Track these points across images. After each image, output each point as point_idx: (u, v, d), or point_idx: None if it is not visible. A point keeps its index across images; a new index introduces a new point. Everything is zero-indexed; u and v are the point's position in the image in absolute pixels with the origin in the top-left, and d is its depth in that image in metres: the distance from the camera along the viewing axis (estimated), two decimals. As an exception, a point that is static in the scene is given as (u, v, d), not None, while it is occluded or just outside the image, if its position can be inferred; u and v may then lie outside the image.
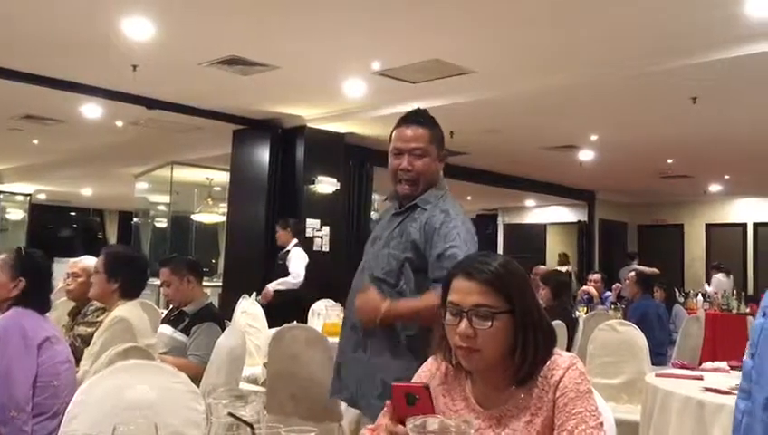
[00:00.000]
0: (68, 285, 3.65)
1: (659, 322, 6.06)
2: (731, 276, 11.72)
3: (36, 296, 2.49)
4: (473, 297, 1.48)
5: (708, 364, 3.84)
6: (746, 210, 14.46)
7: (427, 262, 2.25)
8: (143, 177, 12.15)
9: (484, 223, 16.79)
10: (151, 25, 5.45)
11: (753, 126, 8.00)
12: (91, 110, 8.21)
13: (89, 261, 3.64)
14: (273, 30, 5.54)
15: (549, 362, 1.51)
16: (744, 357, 1.49)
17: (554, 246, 15.33)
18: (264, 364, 4.37)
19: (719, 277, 11.55)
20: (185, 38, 5.81)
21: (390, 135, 2.43)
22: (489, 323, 1.46)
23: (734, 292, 8.82)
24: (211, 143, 9.56)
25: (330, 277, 8.30)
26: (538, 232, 15.78)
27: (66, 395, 2.13)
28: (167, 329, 3.76)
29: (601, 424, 1.46)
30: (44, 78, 6.92)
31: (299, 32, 5.54)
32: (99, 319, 3.40)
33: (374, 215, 11.50)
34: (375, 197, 11.29)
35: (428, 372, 1.61)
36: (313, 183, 8.62)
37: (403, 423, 1.30)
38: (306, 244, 8.56)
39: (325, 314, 5.44)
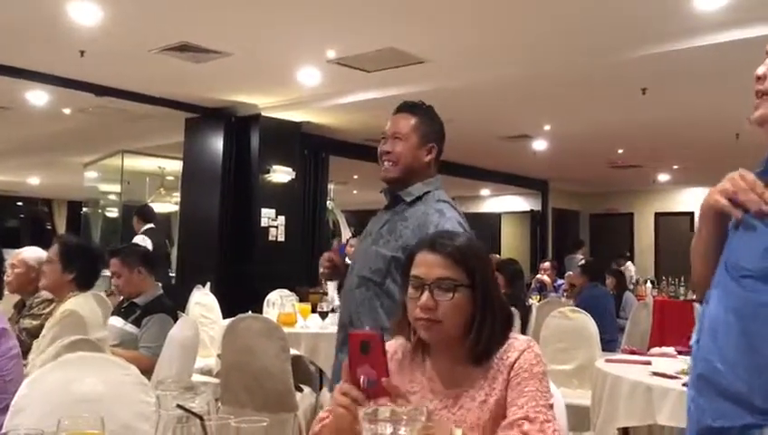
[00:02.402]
0: (7, 276, 3.56)
1: (607, 309, 6.19)
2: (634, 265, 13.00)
3: None
4: (436, 270, 1.52)
5: (656, 350, 3.94)
6: (694, 200, 14.83)
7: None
8: (93, 166, 11.88)
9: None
10: (99, 9, 5.30)
11: (701, 117, 8.20)
12: (38, 96, 7.98)
13: (29, 253, 3.56)
14: (225, 16, 5.45)
15: (506, 345, 1.54)
16: (691, 343, 1.52)
17: (508, 234, 15.53)
18: (218, 356, 4.33)
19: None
20: (134, 23, 5.68)
21: None
22: (450, 295, 1.50)
23: (683, 278, 9.06)
24: (163, 132, 9.39)
25: (285, 267, 8.26)
26: (493, 221, 15.95)
27: (15, 390, 2.07)
28: (117, 321, 3.69)
29: (551, 405, 1.49)
30: (-12, 63, 6.71)
31: (252, 18, 5.47)
32: (45, 311, 3.32)
33: (329, 204, 11.47)
34: (331, 186, 11.26)
35: (388, 353, 1.61)
36: (268, 172, 8.55)
37: (356, 374, 1.34)
38: (262, 234, 8.51)
39: (280, 304, 5.41)
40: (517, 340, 1.56)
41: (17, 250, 3.71)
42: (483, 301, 1.53)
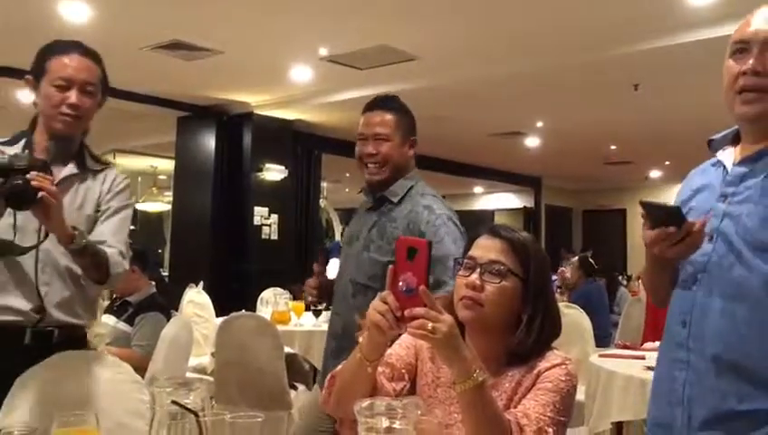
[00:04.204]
0: None
1: (602, 304, 6.21)
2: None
3: None
4: (491, 254, 1.49)
5: (649, 344, 3.95)
6: (685, 195, 14.91)
7: None
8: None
9: (433, 210, 16.90)
10: (89, 8, 5.28)
11: (693, 113, 8.21)
12: (28, 95, 7.92)
13: None
14: (217, 13, 5.43)
15: (542, 355, 1.49)
16: (674, 326, 1.50)
17: (501, 231, 15.50)
18: (212, 354, 4.32)
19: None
20: (124, 21, 5.65)
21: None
22: (499, 280, 1.46)
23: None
24: (155, 130, 9.35)
25: (278, 265, 8.25)
26: (486, 218, 15.97)
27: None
28: (110, 319, 3.69)
29: (558, 424, 1.41)
30: (-24, 62, 6.66)
31: (244, 16, 5.45)
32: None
33: (322, 202, 11.46)
34: (324, 184, 11.24)
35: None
36: (261, 171, 8.53)
37: (398, 279, 1.30)
38: (255, 232, 8.49)
39: (274, 303, 5.40)
40: (555, 354, 1.50)
41: None
42: (534, 299, 1.49)
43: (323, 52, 6.31)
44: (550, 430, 1.38)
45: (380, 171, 2.29)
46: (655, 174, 13.85)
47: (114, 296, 3.91)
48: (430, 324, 1.27)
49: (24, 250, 1.89)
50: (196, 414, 1.24)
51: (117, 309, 3.73)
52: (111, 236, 1.98)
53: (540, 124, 9.25)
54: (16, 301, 1.90)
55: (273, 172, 8.60)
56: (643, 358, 3.46)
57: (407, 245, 1.32)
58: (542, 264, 1.53)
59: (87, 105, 2.01)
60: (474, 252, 1.52)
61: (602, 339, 5.43)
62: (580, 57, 6.21)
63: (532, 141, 10.23)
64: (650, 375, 3.01)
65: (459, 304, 1.48)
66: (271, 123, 8.61)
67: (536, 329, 1.48)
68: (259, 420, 1.22)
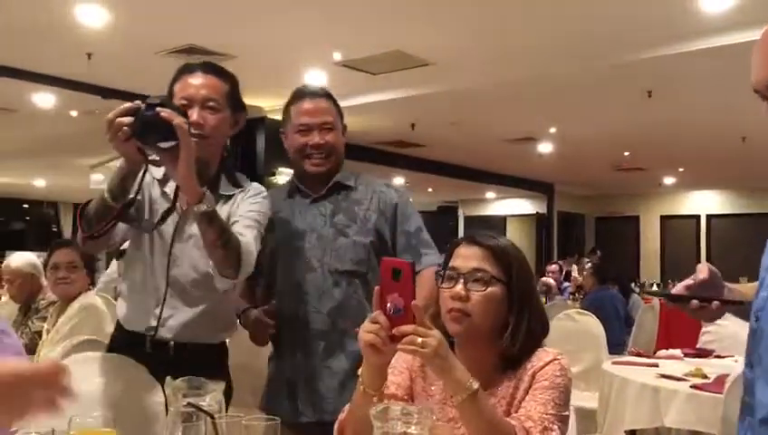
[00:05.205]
0: (8, 290, 3.60)
1: (615, 312, 6.17)
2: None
3: None
4: (473, 262, 1.49)
5: (663, 352, 3.94)
6: (700, 202, 14.82)
7: (385, 245, 2.16)
8: (99, 168, 11.89)
9: (445, 215, 16.89)
10: (106, 12, 5.33)
11: (707, 120, 8.19)
12: (45, 99, 8.00)
13: (19, 262, 3.61)
14: (231, 19, 5.47)
15: (534, 354, 1.50)
16: (743, 369, 1.40)
17: (513, 237, 15.33)
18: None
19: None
20: (141, 26, 5.70)
21: (286, 111, 2.30)
22: (484, 288, 1.47)
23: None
24: (169, 134, 9.39)
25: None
26: (498, 224, 15.95)
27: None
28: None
29: (563, 418, 1.43)
30: (-5, 66, 6.74)
31: (258, 21, 5.48)
32: (50, 312, 3.37)
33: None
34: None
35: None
36: (274, 175, 8.56)
37: (385, 300, 1.31)
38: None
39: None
40: (546, 351, 1.51)
41: (5, 262, 3.73)
42: (519, 301, 1.50)
43: (337, 56, 6.33)
44: (555, 426, 1.39)
45: (327, 161, 2.19)
46: (668, 181, 13.78)
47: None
48: (420, 339, 1.29)
49: (156, 224, 1.84)
50: (211, 416, 1.25)
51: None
52: (243, 228, 1.85)
53: (553, 130, 9.23)
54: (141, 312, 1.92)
55: (287, 176, 8.57)
56: (656, 365, 3.45)
57: (391, 266, 1.33)
58: (521, 265, 1.54)
59: (211, 122, 1.90)
60: (455, 262, 1.51)
61: (615, 347, 5.40)
62: (594, 63, 6.20)
63: (544, 147, 10.21)
64: (664, 383, 3.02)
65: (447, 316, 1.48)
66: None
67: (524, 331, 1.49)
68: (275, 422, 1.23)
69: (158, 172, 1.93)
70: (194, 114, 1.87)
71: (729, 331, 3.86)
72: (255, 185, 2.03)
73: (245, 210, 1.91)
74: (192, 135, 1.74)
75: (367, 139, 9.22)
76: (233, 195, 1.96)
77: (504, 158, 11.23)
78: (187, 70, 1.97)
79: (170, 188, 1.88)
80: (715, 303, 1.38)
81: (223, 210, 1.87)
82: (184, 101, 1.87)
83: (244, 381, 4.00)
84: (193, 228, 1.83)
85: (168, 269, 1.89)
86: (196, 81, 1.93)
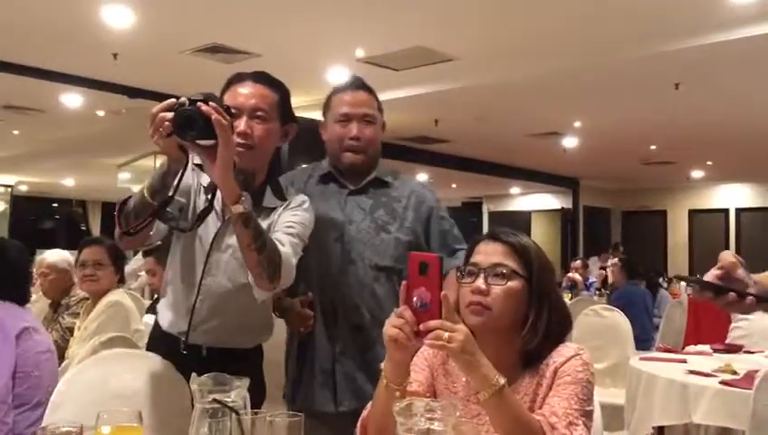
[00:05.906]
0: (41, 284, 3.66)
1: (644, 307, 6.11)
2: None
3: (11, 288, 2.45)
4: (494, 257, 1.50)
5: (691, 348, 3.89)
6: (729, 196, 14.60)
7: (419, 242, 2.16)
8: (126, 167, 12.05)
9: (470, 211, 16.84)
10: (131, 13, 5.39)
11: (735, 112, 8.06)
12: (72, 99, 8.12)
13: (55, 257, 3.68)
14: (255, 17, 5.50)
15: (555, 350, 1.50)
16: None
17: (539, 233, 15.42)
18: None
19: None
20: (166, 26, 5.76)
21: (327, 103, 2.30)
22: (504, 282, 1.48)
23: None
24: (194, 133, 9.46)
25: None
26: (523, 219, 15.85)
27: (48, 385, 2.11)
28: (151, 319, 3.76)
29: (588, 413, 1.43)
30: (24, 67, 6.83)
31: (281, 19, 5.50)
32: (82, 308, 3.42)
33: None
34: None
35: (431, 351, 1.57)
36: (298, 172, 8.59)
37: (412, 295, 1.32)
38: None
39: (311, 303, 5.42)
40: (567, 347, 1.51)
41: (40, 256, 3.80)
42: (539, 296, 1.50)
43: (360, 53, 6.33)
44: (579, 422, 1.39)
45: (364, 154, 2.18)
46: (697, 174, 13.59)
47: (155, 296, 3.98)
48: (446, 334, 1.29)
49: (193, 225, 1.82)
50: (236, 412, 1.25)
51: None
52: (282, 237, 1.80)
53: (578, 124, 9.15)
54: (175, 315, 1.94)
55: (310, 173, 8.64)
56: (684, 361, 3.41)
57: (419, 260, 1.33)
58: (541, 261, 1.54)
59: (258, 133, 1.88)
60: (476, 258, 1.53)
61: (643, 342, 5.35)
62: (620, 56, 6.13)
63: (569, 142, 10.13)
64: (692, 379, 2.98)
65: (466, 311, 1.49)
66: (307, 125, 8.62)
67: (544, 327, 1.49)
68: (299, 418, 1.23)
69: (206, 179, 1.92)
70: (241, 124, 1.85)
71: (759, 326, 3.81)
72: (300, 197, 2.00)
73: (286, 221, 1.88)
74: (238, 145, 1.72)
75: (390, 135, 9.19)
76: (275, 208, 1.93)
77: (528, 153, 11.16)
78: (237, 79, 1.95)
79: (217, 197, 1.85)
80: (751, 298, 1.37)
81: (264, 223, 1.83)
82: (233, 111, 1.82)
83: (271, 378, 4.04)
84: (233, 239, 1.81)
85: (201, 277, 1.88)
86: (246, 90, 1.90)
